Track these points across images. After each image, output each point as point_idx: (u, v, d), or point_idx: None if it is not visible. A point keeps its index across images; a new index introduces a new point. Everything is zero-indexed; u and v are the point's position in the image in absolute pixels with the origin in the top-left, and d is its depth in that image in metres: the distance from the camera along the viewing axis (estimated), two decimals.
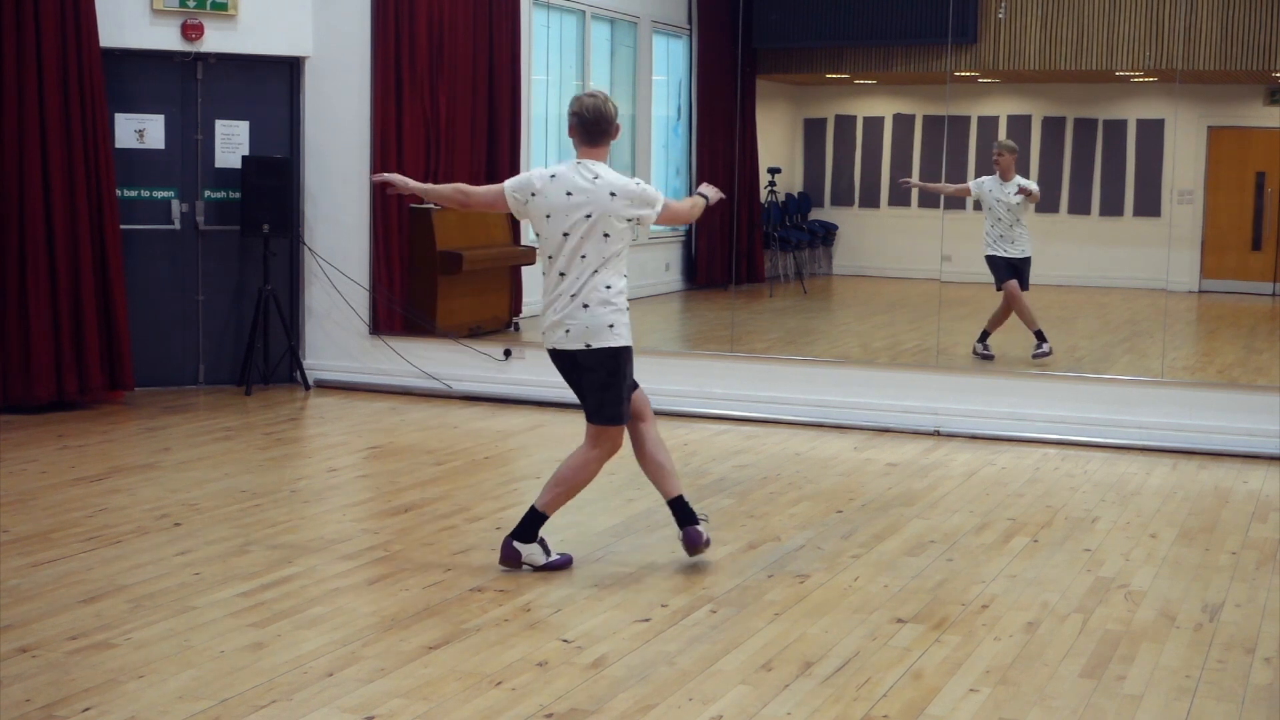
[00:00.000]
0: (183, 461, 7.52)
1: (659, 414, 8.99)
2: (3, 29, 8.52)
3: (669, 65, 13.52)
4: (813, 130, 13.55)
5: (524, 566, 5.58)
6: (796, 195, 13.43)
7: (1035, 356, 9.91)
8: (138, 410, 8.96)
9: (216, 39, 9.51)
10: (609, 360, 5.45)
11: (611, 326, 5.42)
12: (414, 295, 10.08)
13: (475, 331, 10.21)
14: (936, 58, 12.06)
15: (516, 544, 5.57)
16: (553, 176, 5.46)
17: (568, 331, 5.42)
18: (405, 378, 9.81)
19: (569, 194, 5.39)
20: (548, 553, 5.61)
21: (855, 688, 4.41)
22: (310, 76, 9.90)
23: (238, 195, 9.64)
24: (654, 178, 13.33)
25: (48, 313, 8.75)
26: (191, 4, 9.39)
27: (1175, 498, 7.10)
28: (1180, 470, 7.76)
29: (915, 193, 12.66)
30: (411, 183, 5.76)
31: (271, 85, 9.87)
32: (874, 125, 13.23)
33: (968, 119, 12.66)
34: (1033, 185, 10.38)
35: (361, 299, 9.95)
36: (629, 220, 5.43)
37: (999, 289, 10.18)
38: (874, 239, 13.29)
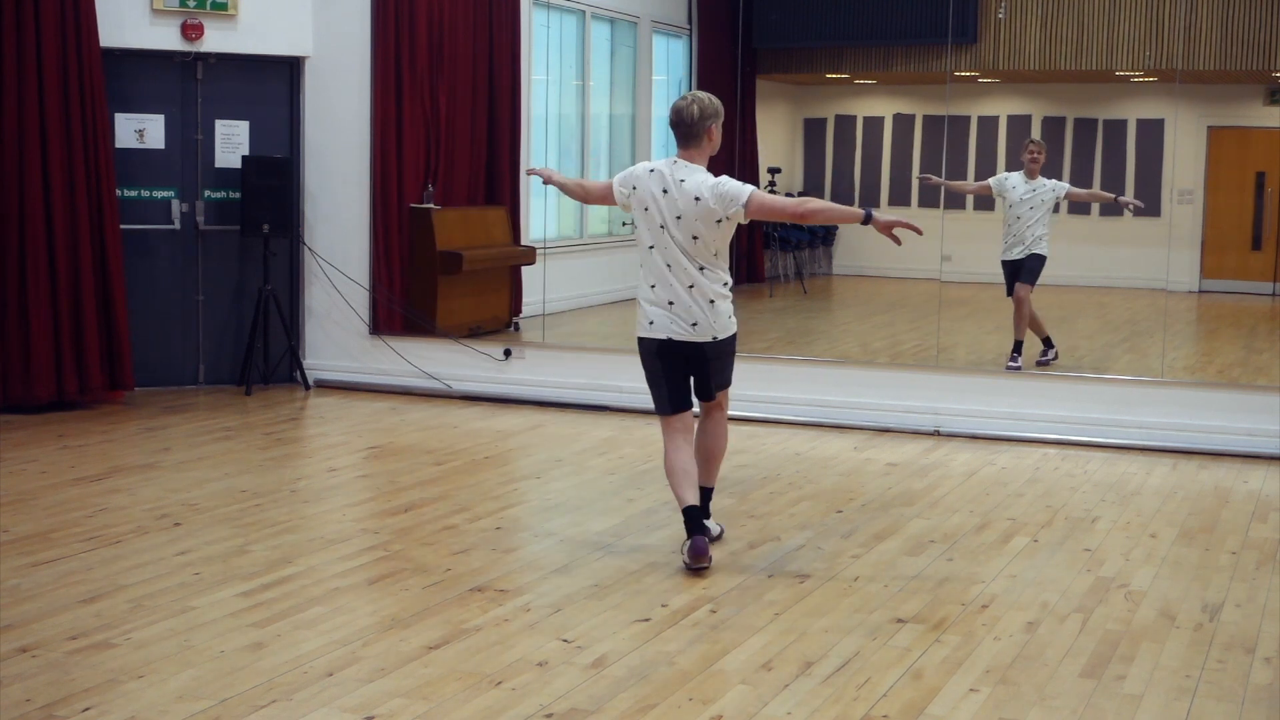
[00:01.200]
0: (183, 461, 7.52)
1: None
2: (3, 29, 8.52)
3: (669, 65, 13.52)
4: (813, 130, 13.55)
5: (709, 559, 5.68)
6: (796, 195, 13.42)
7: (1043, 363, 9.87)
8: (138, 410, 8.96)
9: (216, 39, 9.51)
10: (731, 344, 5.83)
11: (730, 317, 5.75)
12: (414, 295, 10.08)
13: (475, 331, 10.21)
14: (936, 58, 12.06)
15: (709, 523, 5.89)
16: (651, 171, 5.71)
17: (695, 325, 5.67)
18: (405, 378, 9.81)
19: (665, 190, 5.64)
20: (714, 525, 6.05)
21: (855, 688, 4.41)
22: (310, 76, 9.90)
23: (238, 195, 9.64)
24: None
25: (48, 313, 8.75)
26: (191, 4, 9.39)
27: (1175, 498, 7.10)
28: (1180, 470, 7.76)
29: (916, 192, 12.65)
30: (556, 176, 6.11)
31: (271, 85, 9.87)
32: (874, 125, 13.23)
33: (968, 119, 12.67)
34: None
35: (361, 299, 9.95)
36: (719, 221, 5.60)
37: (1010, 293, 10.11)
38: (874, 239, 13.19)
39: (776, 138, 13.47)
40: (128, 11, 9.25)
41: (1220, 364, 10.34)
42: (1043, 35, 12.00)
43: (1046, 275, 10.19)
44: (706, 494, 5.97)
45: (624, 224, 13.01)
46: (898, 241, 5.70)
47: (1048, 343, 10.02)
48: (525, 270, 10.86)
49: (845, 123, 13.38)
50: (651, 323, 5.71)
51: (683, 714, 4.18)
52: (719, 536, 6.03)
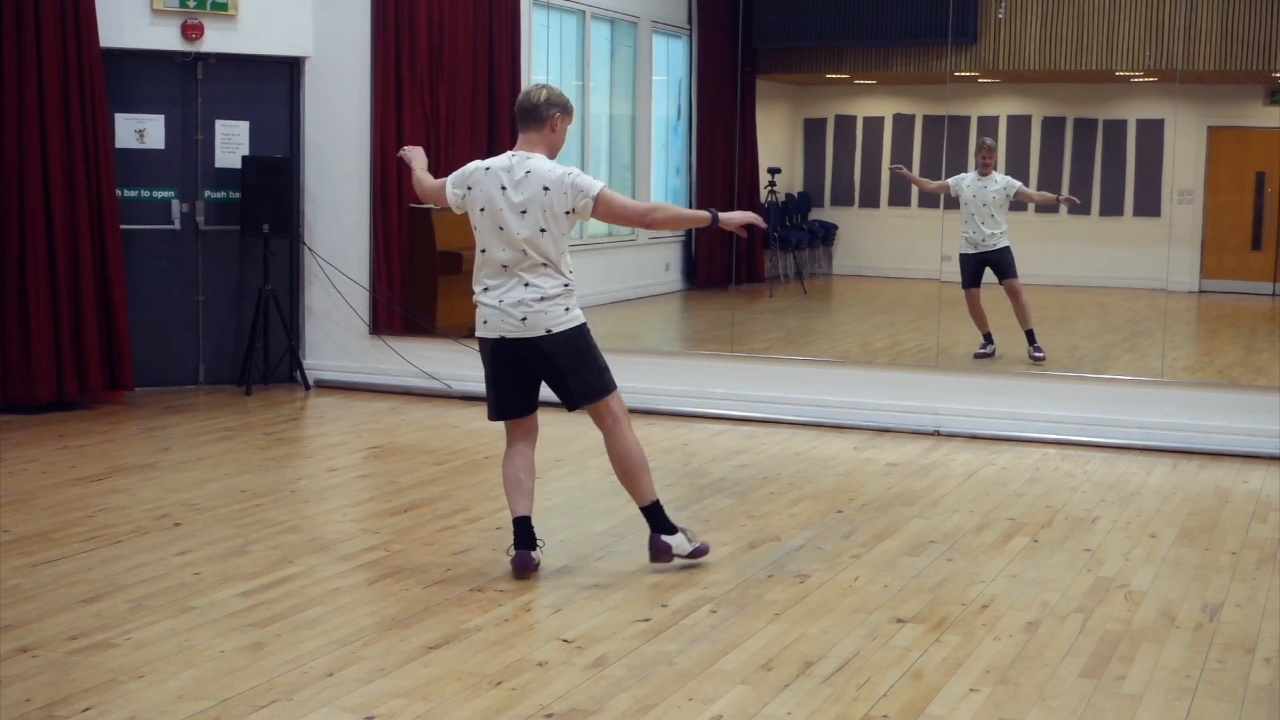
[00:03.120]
0: (183, 461, 7.52)
1: (659, 414, 9.04)
2: (3, 29, 8.52)
3: (669, 65, 13.52)
4: (813, 130, 13.54)
5: (674, 559, 5.62)
6: (796, 195, 13.42)
7: (981, 356, 10.06)
8: (138, 410, 8.96)
9: (216, 39, 9.51)
10: (578, 340, 5.45)
11: (567, 310, 5.42)
12: (414, 295, 10.08)
13: (475, 331, 10.19)
14: (936, 58, 12.06)
15: (663, 537, 5.61)
16: (487, 170, 5.43)
17: (524, 320, 5.38)
18: (405, 378, 9.81)
19: (504, 188, 5.37)
20: (690, 539, 5.70)
21: (855, 688, 4.41)
22: (310, 76, 9.90)
23: (238, 195, 9.64)
24: (654, 177, 13.34)
25: (48, 313, 8.75)
26: (191, 4, 9.39)
27: (1175, 498, 7.10)
28: (1180, 470, 7.76)
29: (915, 192, 12.65)
30: (416, 162, 5.84)
31: (271, 85, 9.87)
32: (874, 125, 13.23)
33: (968, 119, 12.66)
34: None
35: (361, 299, 9.95)
36: (566, 213, 5.36)
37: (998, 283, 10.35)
38: (874, 239, 13.29)
39: (776, 138, 13.46)
40: (128, 11, 9.25)
41: (1220, 364, 10.34)
42: (1043, 35, 11.99)
43: (1047, 275, 10.21)
44: (651, 510, 5.64)
45: None
46: (744, 234, 5.66)
47: (988, 338, 10.21)
48: None
49: (845, 123, 13.38)
50: (485, 321, 5.47)
51: (683, 714, 4.18)
52: (696, 553, 5.68)
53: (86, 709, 4.12)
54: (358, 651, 4.64)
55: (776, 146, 13.43)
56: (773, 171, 12.82)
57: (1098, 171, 12.42)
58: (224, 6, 9.48)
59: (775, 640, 4.83)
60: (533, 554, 5.54)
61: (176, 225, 9.67)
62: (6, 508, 6.42)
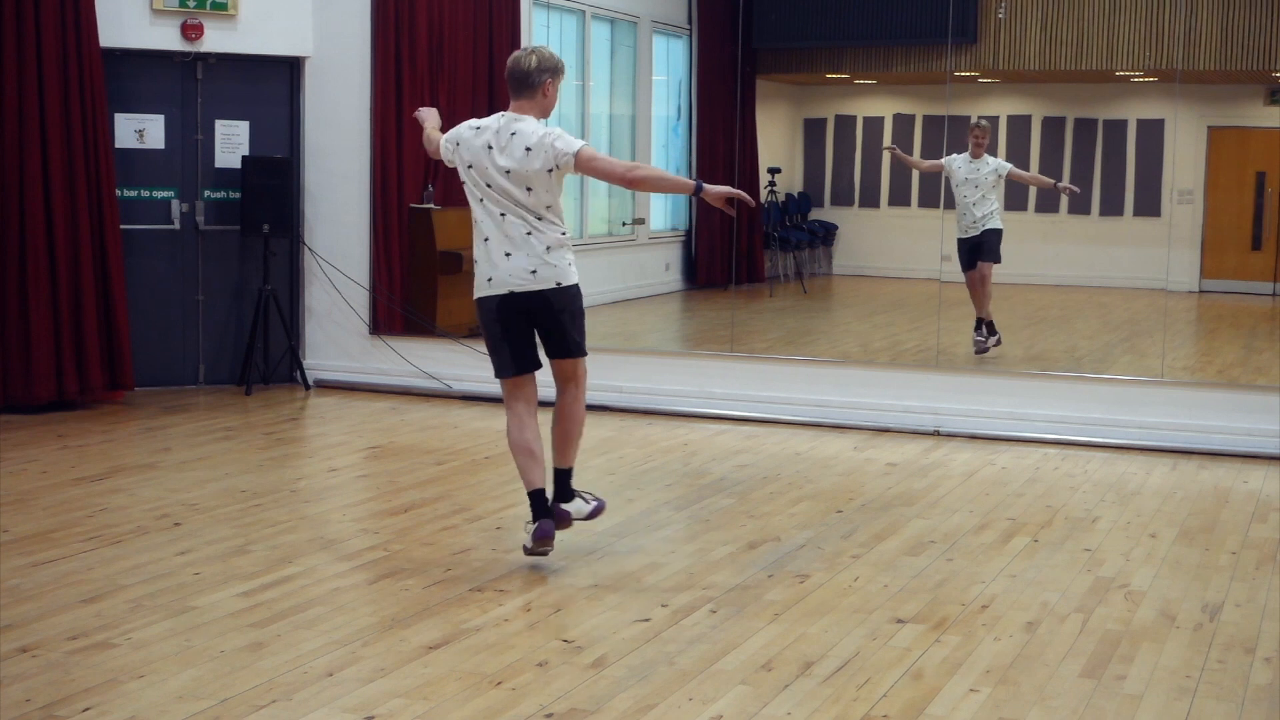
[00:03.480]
0: (183, 461, 7.52)
1: (658, 414, 9.04)
2: (3, 29, 8.52)
3: (669, 65, 13.52)
4: (813, 130, 13.54)
5: (574, 521, 5.79)
6: (796, 195, 13.43)
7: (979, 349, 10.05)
8: (138, 410, 8.96)
9: (216, 39, 9.51)
10: (577, 297, 5.61)
11: (571, 265, 5.57)
12: (414, 295, 10.08)
13: (475, 331, 10.18)
14: (936, 58, 12.06)
15: (563, 506, 5.75)
16: (477, 129, 5.56)
17: (534, 273, 5.49)
18: (405, 378, 9.81)
19: (490, 147, 5.48)
20: (586, 500, 5.84)
21: (855, 688, 4.41)
22: (310, 76, 9.90)
23: (238, 195, 9.64)
24: None
25: (48, 313, 8.75)
26: (191, 4, 9.39)
27: (1175, 498, 7.10)
28: (1180, 470, 7.76)
29: (915, 192, 12.66)
30: (430, 122, 6.01)
31: (271, 85, 9.87)
32: (874, 125, 13.23)
33: (968, 119, 12.64)
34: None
35: (361, 299, 9.95)
36: (549, 171, 5.45)
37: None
38: (874, 239, 13.29)
39: (776, 138, 13.46)
40: (128, 11, 9.25)
41: (1220, 364, 10.34)
42: (1043, 35, 11.99)
43: (1047, 275, 10.20)
44: (565, 475, 5.79)
45: (624, 224, 13.03)
46: (730, 212, 5.76)
47: (990, 328, 10.17)
48: None
49: (845, 123, 13.38)
50: (490, 279, 5.53)
51: (683, 714, 4.18)
52: (594, 513, 5.82)
53: (86, 709, 4.12)
54: (358, 651, 4.64)
55: (776, 146, 13.44)
56: (773, 171, 12.82)
57: (1098, 171, 12.42)
58: (224, 6, 9.48)
59: (775, 640, 4.83)
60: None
61: (176, 225, 9.67)
62: (6, 508, 6.42)
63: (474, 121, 5.64)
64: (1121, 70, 11.99)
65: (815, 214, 13.45)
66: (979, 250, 10.36)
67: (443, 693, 4.30)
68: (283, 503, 6.67)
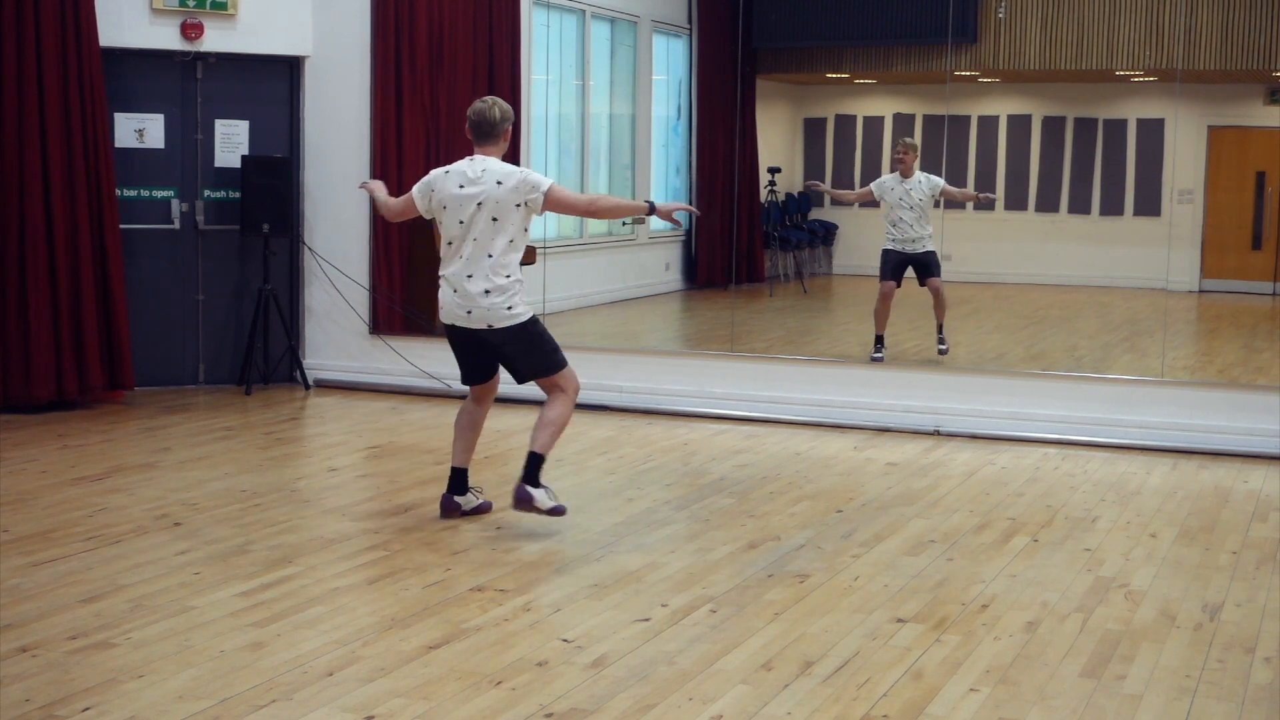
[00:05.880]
0: (183, 461, 7.52)
1: (658, 414, 9.04)
2: (3, 29, 8.52)
3: (669, 65, 13.52)
4: (813, 130, 13.54)
5: (534, 509, 6.04)
6: (796, 195, 13.43)
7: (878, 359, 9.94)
8: (138, 410, 8.96)
9: (216, 38, 9.51)
10: (522, 332, 6.03)
11: (509, 308, 5.98)
12: (414, 295, 10.07)
13: None
14: (936, 57, 12.06)
15: (528, 488, 6.02)
16: (447, 173, 6.06)
17: (469, 313, 5.98)
18: (405, 377, 9.80)
19: (462, 185, 5.97)
20: (551, 497, 6.09)
21: (855, 688, 4.41)
22: (310, 76, 9.90)
23: (237, 195, 9.64)
24: (654, 177, 13.34)
25: (48, 313, 8.75)
26: (191, 3, 9.39)
27: (1175, 497, 7.10)
28: (1180, 470, 7.76)
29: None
30: (379, 194, 6.45)
31: (271, 85, 9.87)
32: (874, 125, 13.23)
33: (968, 119, 12.66)
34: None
35: (361, 299, 9.95)
36: (518, 205, 5.93)
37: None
38: (874, 239, 13.26)
39: (776, 138, 13.46)
40: (127, 11, 9.25)
41: (1220, 364, 10.34)
42: (1043, 35, 11.99)
43: (1047, 275, 10.19)
44: (536, 460, 6.04)
45: (624, 224, 13.02)
46: (678, 224, 6.26)
47: (882, 342, 10.05)
48: (525, 270, 10.84)
49: (845, 122, 13.38)
50: (441, 307, 6.09)
51: (683, 714, 4.18)
52: (554, 511, 6.07)
53: (86, 709, 4.12)
54: (358, 651, 4.64)
55: (776, 146, 13.44)
56: (773, 171, 12.82)
57: (1098, 171, 12.42)
58: (224, 6, 9.48)
59: (775, 640, 4.83)
60: (457, 499, 6.31)
61: (176, 225, 9.67)
62: (6, 508, 6.42)
63: (440, 169, 6.13)
64: (1121, 70, 11.99)
65: (815, 214, 13.45)
66: (923, 270, 10.10)
67: (443, 693, 4.30)
68: (283, 503, 6.67)
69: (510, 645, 4.73)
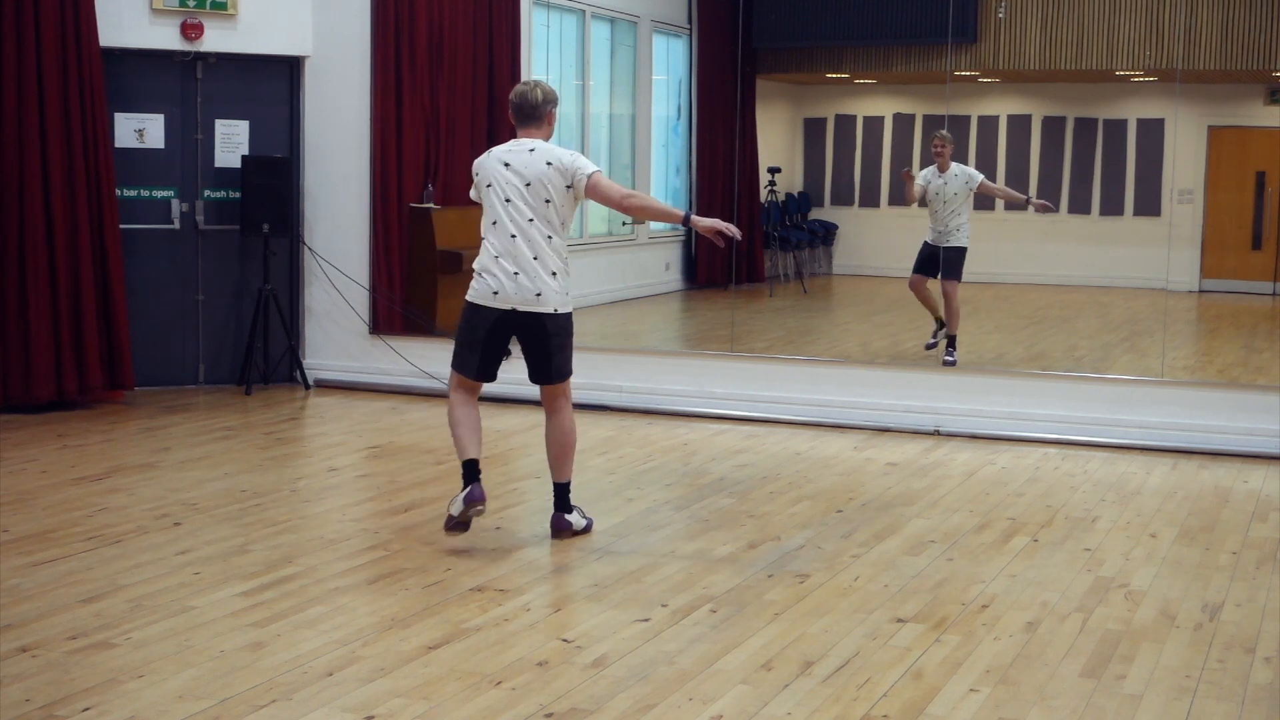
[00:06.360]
0: (183, 461, 7.52)
1: (659, 414, 9.04)
2: (3, 29, 8.52)
3: (669, 65, 13.52)
4: (813, 130, 13.55)
5: (574, 533, 6.08)
6: (796, 195, 13.43)
7: (931, 347, 9.94)
8: (138, 410, 8.96)
9: (216, 39, 9.51)
10: (569, 324, 5.92)
11: (568, 294, 5.89)
12: (414, 295, 10.07)
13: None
14: (937, 57, 12.06)
15: (565, 516, 6.07)
16: (490, 154, 5.95)
17: (539, 295, 5.78)
18: (405, 377, 9.80)
19: (507, 165, 5.83)
20: (583, 515, 6.17)
21: (855, 688, 4.41)
22: (310, 76, 9.90)
23: (237, 195, 9.64)
24: (654, 177, 13.34)
25: (48, 313, 8.75)
26: (191, 4, 9.39)
27: (1175, 497, 7.10)
28: (1180, 470, 7.76)
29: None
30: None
31: (271, 85, 9.87)
32: (874, 125, 13.23)
33: (968, 119, 12.66)
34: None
35: (361, 299, 9.95)
36: (568, 187, 5.80)
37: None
38: (874, 238, 13.29)
39: (776, 138, 13.47)
40: (127, 11, 9.25)
41: (1220, 364, 10.34)
42: (1043, 35, 12.00)
43: (1047, 275, 10.18)
44: (564, 488, 6.07)
45: (623, 224, 13.03)
46: (720, 244, 5.89)
47: (941, 322, 10.06)
48: None
49: (845, 122, 13.38)
50: (496, 293, 5.80)
51: (683, 714, 4.18)
52: (585, 529, 6.12)
53: (86, 709, 4.12)
54: (358, 651, 4.64)
55: (776, 146, 13.44)
56: (773, 171, 12.82)
57: (1098, 171, 12.43)
58: (224, 6, 9.48)
59: (775, 640, 4.83)
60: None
61: (176, 225, 9.67)
62: (6, 508, 6.42)
63: (491, 150, 5.98)
64: (1121, 70, 12.00)
65: (815, 213, 13.45)
66: (946, 266, 10.07)
67: (443, 693, 4.30)
68: (283, 503, 6.67)
69: (510, 645, 4.73)
